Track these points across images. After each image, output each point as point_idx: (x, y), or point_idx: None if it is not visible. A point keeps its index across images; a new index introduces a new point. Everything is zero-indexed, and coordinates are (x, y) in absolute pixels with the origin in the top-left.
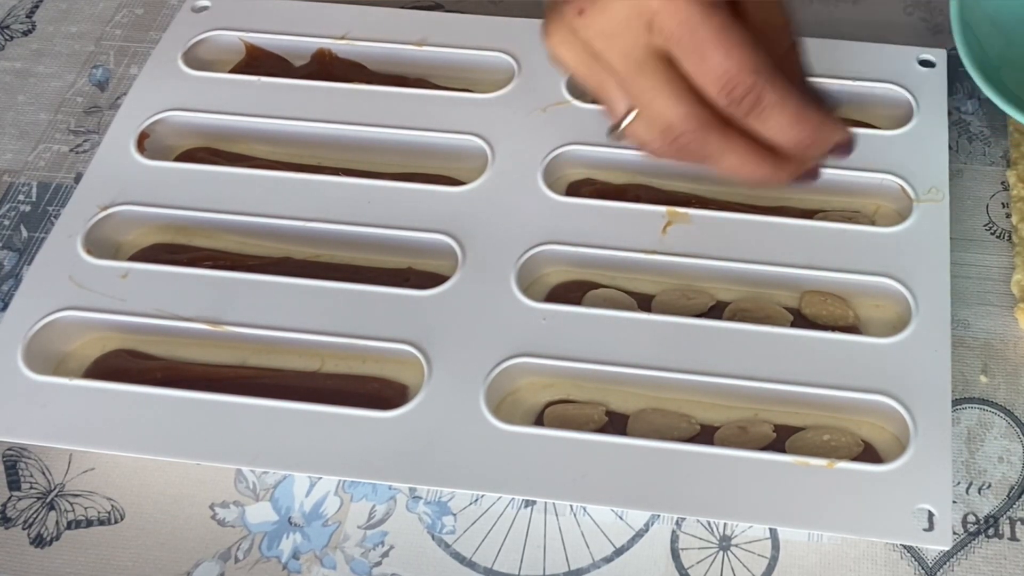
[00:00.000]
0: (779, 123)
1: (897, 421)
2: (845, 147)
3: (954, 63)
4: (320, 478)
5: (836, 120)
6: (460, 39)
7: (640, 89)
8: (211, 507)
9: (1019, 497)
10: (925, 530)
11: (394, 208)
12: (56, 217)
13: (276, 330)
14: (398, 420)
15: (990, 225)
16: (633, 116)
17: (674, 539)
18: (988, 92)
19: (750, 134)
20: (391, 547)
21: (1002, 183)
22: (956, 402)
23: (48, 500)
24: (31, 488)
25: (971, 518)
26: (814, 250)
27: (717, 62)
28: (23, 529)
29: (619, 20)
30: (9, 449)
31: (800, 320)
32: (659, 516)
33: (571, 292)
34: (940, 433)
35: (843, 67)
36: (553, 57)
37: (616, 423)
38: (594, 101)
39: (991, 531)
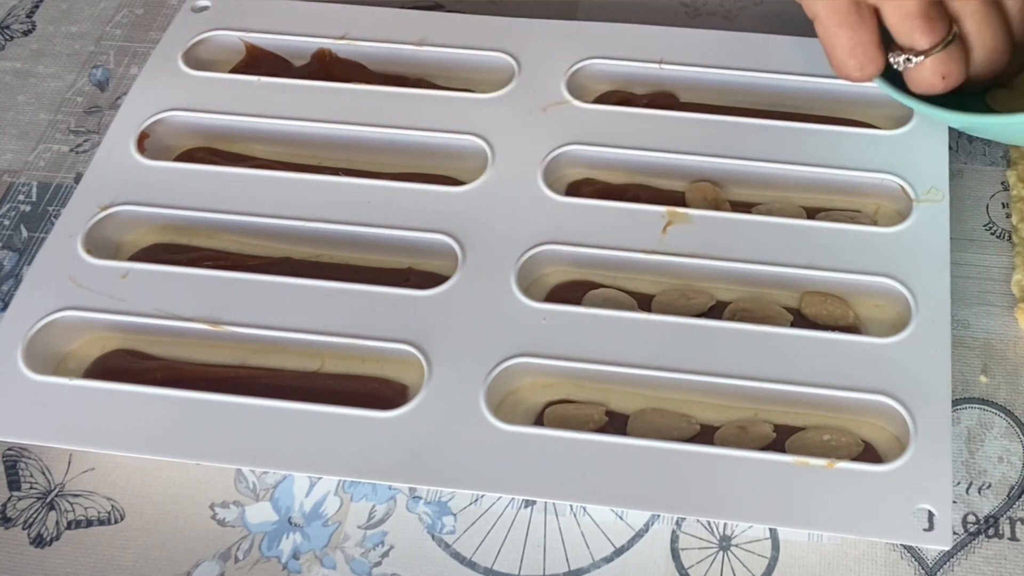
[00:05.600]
0: None
1: (897, 421)
2: None
3: None
4: (320, 478)
5: None
6: (460, 39)
7: None
8: (211, 507)
9: (1019, 497)
10: (925, 530)
11: (394, 208)
12: (56, 217)
13: (276, 330)
14: (398, 420)
15: (990, 225)
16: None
17: (674, 539)
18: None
19: None
20: (391, 547)
21: (1002, 183)
22: (956, 402)
23: (48, 500)
24: (31, 488)
25: (971, 518)
26: (814, 250)
27: None
28: (23, 529)
29: None
30: (9, 449)
31: (800, 320)
32: (659, 516)
33: (571, 292)
34: (940, 433)
35: None
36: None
37: (616, 423)
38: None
39: (991, 531)
